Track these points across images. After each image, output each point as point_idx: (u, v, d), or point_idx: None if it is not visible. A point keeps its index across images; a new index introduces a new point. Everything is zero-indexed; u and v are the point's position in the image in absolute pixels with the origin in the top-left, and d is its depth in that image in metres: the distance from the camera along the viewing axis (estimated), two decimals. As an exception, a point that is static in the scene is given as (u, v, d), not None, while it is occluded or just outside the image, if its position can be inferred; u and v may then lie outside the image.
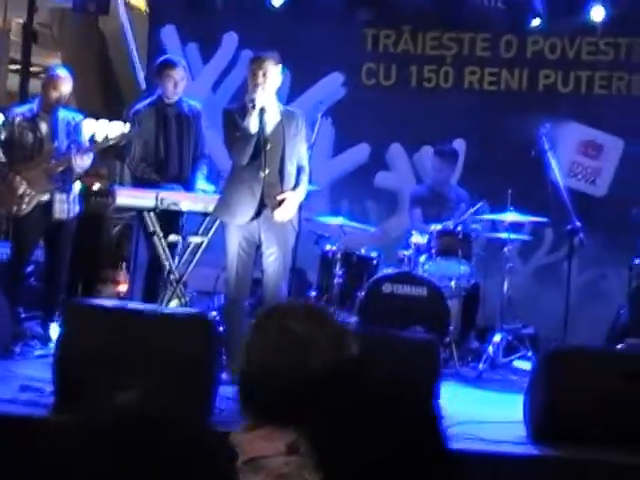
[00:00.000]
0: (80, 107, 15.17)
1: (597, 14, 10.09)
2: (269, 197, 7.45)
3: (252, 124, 7.36)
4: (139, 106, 9.12)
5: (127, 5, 11.78)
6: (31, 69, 12.95)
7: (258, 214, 7.47)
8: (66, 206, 8.73)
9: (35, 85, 11.70)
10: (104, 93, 16.01)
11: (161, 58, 9.41)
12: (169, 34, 10.67)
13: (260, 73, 7.40)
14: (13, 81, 17.09)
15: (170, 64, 8.99)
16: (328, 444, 2.04)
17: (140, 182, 8.93)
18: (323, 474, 2.03)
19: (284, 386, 2.42)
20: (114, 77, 16.30)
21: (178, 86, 8.89)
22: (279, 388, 2.44)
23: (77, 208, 8.95)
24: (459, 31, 10.62)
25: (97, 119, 14.38)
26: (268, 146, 7.45)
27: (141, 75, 11.58)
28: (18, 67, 14.65)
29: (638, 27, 10.39)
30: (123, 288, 11.29)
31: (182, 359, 5.97)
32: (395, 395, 2.12)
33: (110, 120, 13.08)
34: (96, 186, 11.10)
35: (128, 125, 9.55)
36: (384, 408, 2.08)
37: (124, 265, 11.56)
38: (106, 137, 9.93)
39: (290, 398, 2.35)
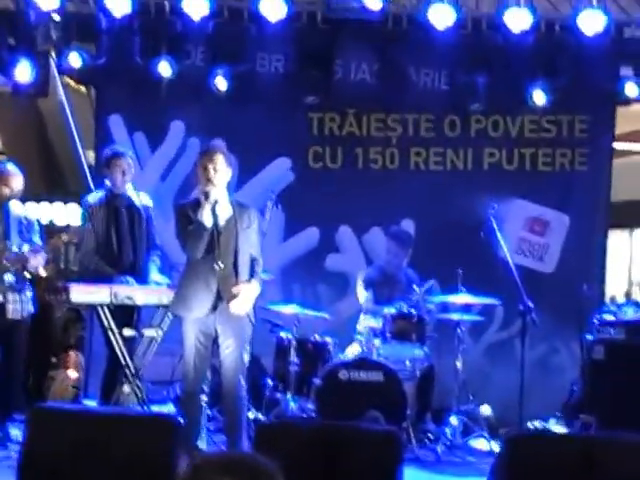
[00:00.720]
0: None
1: (538, 98, 10.20)
2: (225, 290, 7.50)
3: (206, 218, 7.41)
4: (90, 199, 9.12)
5: (66, 87, 11.81)
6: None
7: (215, 308, 7.48)
8: (20, 305, 8.67)
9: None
10: (45, 174, 16.00)
11: (108, 149, 9.44)
12: (116, 123, 10.62)
13: (211, 167, 7.48)
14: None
15: (117, 155, 9.06)
16: None
17: (93, 275, 8.85)
18: None
19: None
20: (55, 157, 16.32)
21: (126, 176, 8.93)
22: None
23: (31, 307, 8.86)
24: (403, 112, 10.72)
25: (38, 201, 14.35)
26: (222, 239, 7.49)
27: (81, 155, 11.57)
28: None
29: (578, 104, 10.58)
30: (73, 374, 11.23)
31: (147, 462, 5.99)
32: None
33: (51, 202, 13.04)
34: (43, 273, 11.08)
35: (71, 206, 9.58)
36: None
37: (74, 350, 11.50)
38: (59, 235, 9.91)
39: None
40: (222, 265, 7.47)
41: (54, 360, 11.42)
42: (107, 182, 9.06)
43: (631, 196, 15.33)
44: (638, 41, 10.20)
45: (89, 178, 10.89)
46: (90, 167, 11.16)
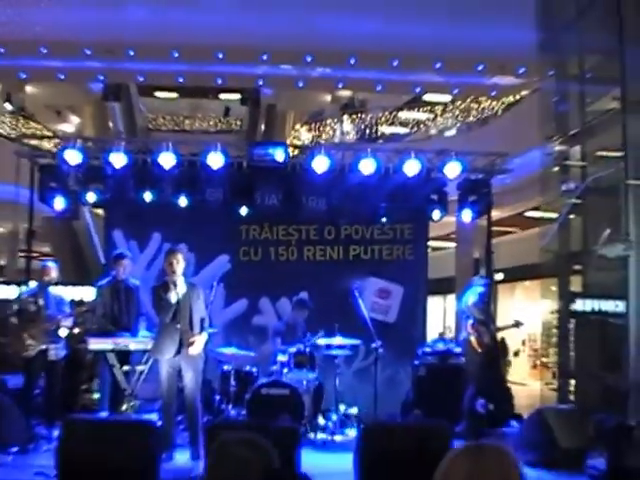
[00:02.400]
0: (62, 277, 15.11)
1: (382, 215, 10.47)
2: (184, 340, 7.59)
3: (172, 297, 7.56)
4: (101, 282, 9.15)
5: (91, 212, 11.83)
6: (33, 254, 12.88)
7: (178, 352, 7.59)
8: (56, 351, 8.73)
9: (35, 264, 11.75)
10: (77, 268, 15.94)
11: (115, 252, 9.49)
12: (117, 235, 10.64)
13: (174, 262, 7.61)
14: (21, 262, 17.22)
15: (120, 256, 9.14)
16: None
17: (102, 331, 8.87)
18: None
19: None
20: (84, 258, 16.33)
21: (126, 269, 9.02)
22: None
23: (63, 352, 8.91)
24: (299, 224, 10.78)
25: (73, 285, 14.39)
26: (181, 308, 7.60)
27: (101, 255, 11.52)
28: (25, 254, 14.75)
29: (406, 219, 10.78)
30: (96, 396, 11.17)
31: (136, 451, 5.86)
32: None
33: (82, 285, 13.15)
34: (76, 331, 11.12)
35: (93, 289, 9.67)
36: None
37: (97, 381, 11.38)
38: (80, 305, 10.04)
39: None
40: (181, 325, 7.59)
41: (86, 386, 11.44)
42: (113, 272, 9.15)
43: (444, 274, 15.91)
44: (441, 180, 10.46)
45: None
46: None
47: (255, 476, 2.40)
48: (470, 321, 9.29)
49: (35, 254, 14.21)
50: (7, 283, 15.71)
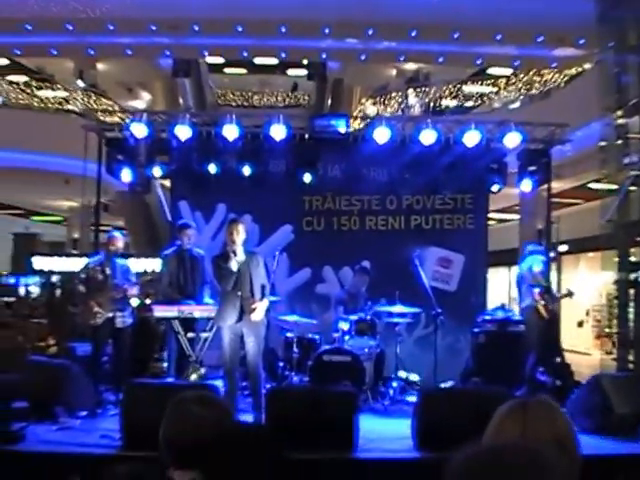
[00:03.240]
0: (135, 250, 15.20)
1: (443, 185, 10.37)
2: (246, 307, 7.64)
3: (232, 265, 7.59)
4: (167, 252, 9.25)
5: (162, 186, 11.93)
6: (104, 228, 13.08)
7: (240, 319, 7.64)
8: (122, 319, 8.82)
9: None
10: (150, 240, 16.18)
11: (180, 222, 9.56)
12: (183, 206, 10.69)
13: (234, 232, 7.65)
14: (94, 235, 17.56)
15: (185, 226, 9.21)
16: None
17: (168, 299, 9.01)
18: None
19: (187, 446, 2.47)
20: (156, 231, 16.57)
21: (190, 239, 9.08)
22: (183, 448, 2.49)
23: (130, 320, 8.99)
24: (360, 194, 10.72)
25: (146, 257, 14.59)
26: (241, 277, 7.65)
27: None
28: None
29: (466, 189, 10.65)
30: (162, 365, 11.34)
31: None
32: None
33: (153, 257, 13.29)
34: (147, 300, 11.27)
35: (160, 261, 9.78)
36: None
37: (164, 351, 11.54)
38: (145, 274, 10.15)
39: (189, 453, 2.42)
40: (242, 292, 7.65)
41: (157, 355, 11.62)
42: (178, 241, 9.22)
43: (508, 246, 15.72)
44: (501, 150, 10.30)
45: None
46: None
47: (208, 432, 2.42)
48: (537, 289, 9.29)
49: (107, 227, 14.23)
50: (80, 255, 16.05)
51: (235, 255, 7.64)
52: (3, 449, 6.16)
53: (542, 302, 9.24)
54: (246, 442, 2.30)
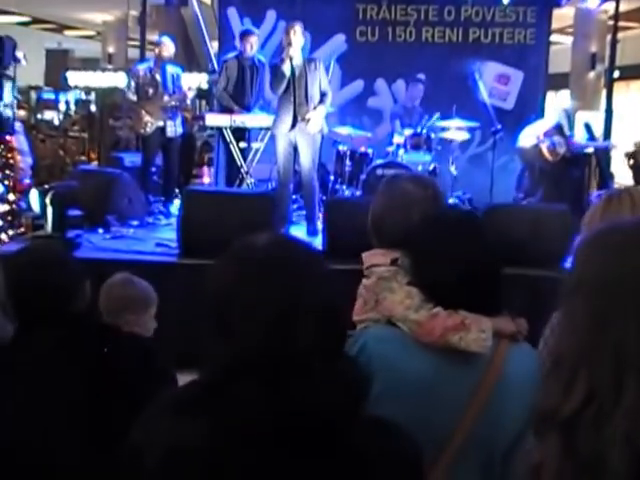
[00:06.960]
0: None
1: None
2: (300, 113, 7.50)
3: (286, 69, 7.42)
4: (227, 57, 9.05)
5: (199, 1, 11.66)
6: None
7: (293, 125, 7.52)
8: (173, 128, 8.74)
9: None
10: (185, 56, 15.87)
11: (243, 28, 9.33)
12: (231, 13, 10.36)
13: (292, 34, 7.46)
14: (129, 50, 17.14)
15: (248, 32, 8.91)
16: (418, 261, 2.07)
17: (221, 106, 8.91)
18: (412, 277, 2.06)
19: (396, 227, 2.32)
20: (191, 46, 16.24)
21: (253, 47, 8.78)
22: (393, 227, 2.36)
23: (180, 130, 8.92)
24: (418, 4, 10.31)
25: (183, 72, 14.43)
26: (296, 81, 7.50)
27: (208, 43, 11.24)
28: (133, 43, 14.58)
29: (529, 1, 10.23)
30: (207, 181, 11.38)
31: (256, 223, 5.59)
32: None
33: (190, 72, 13.09)
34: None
35: (203, 74, 9.53)
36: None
37: (208, 166, 11.56)
38: (199, 84, 9.94)
39: (399, 233, 2.22)
40: (295, 97, 7.49)
41: (195, 172, 11.63)
42: (238, 47, 8.95)
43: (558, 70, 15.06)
44: None
45: (213, 58, 10.69)
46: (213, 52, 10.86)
47: (419, 211, 2.32)
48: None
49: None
50: (115, 70, 15.76)
51: (291, 59, 7.45)
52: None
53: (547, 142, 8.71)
54: (458, 225, 2.13)
